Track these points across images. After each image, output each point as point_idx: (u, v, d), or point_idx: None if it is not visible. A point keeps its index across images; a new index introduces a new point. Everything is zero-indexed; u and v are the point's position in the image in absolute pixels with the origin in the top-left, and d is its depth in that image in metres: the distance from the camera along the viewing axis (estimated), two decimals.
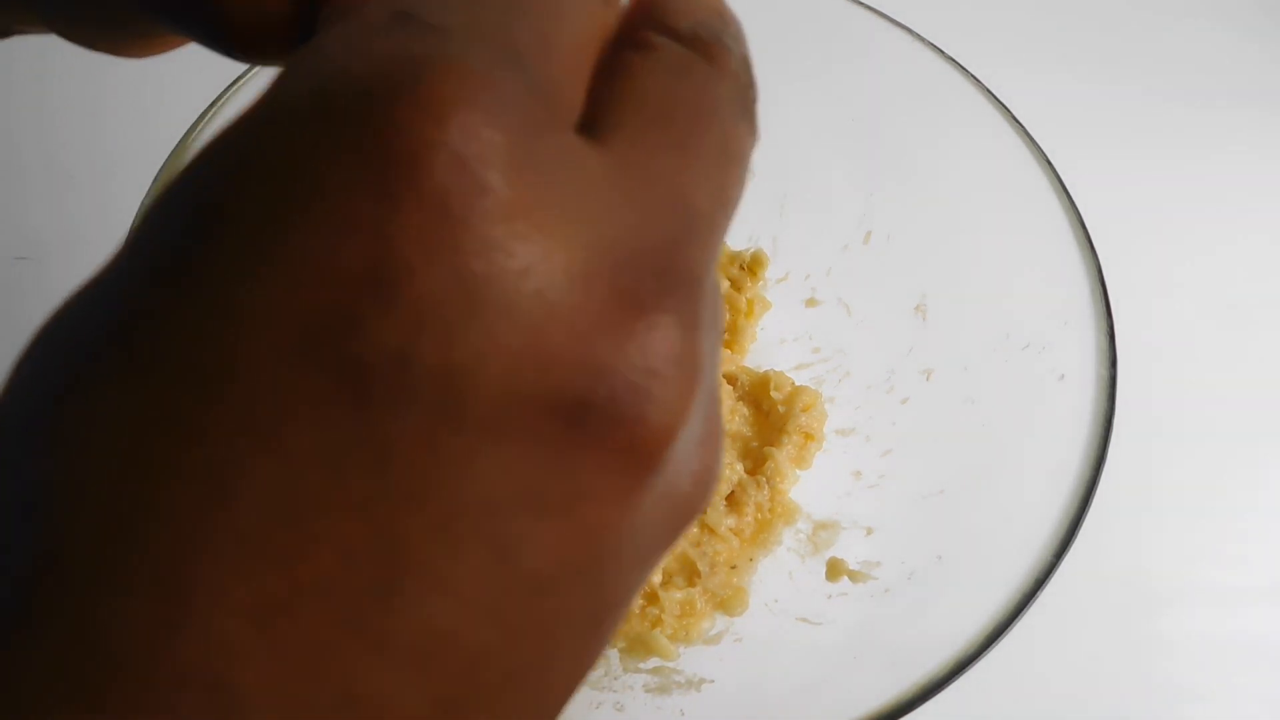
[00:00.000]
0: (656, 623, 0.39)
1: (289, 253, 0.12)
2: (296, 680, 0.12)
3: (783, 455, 0.43)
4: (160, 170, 0.35)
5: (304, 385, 0.12)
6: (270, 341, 0.12)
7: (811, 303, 0.49)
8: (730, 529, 0.42)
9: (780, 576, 0.42)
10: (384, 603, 0.12)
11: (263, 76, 0.33)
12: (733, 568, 0.42)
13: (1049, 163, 0.40)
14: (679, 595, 0.39)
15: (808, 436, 0.44)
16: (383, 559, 0.12)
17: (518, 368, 0.12)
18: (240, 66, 0.29)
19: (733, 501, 0.43)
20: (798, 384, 0.45)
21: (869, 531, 0.42)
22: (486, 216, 0.12)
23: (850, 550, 0.41)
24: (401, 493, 0.12)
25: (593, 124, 0.14)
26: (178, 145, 0.37)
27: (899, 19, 0.44)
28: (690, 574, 0.40)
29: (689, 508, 0.15)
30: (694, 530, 0.42)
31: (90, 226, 0.53)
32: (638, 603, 0.39)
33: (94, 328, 0.13)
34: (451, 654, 0.13)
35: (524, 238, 0.12)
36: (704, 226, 0.14)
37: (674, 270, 0.13)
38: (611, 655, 0.39)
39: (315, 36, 0.14)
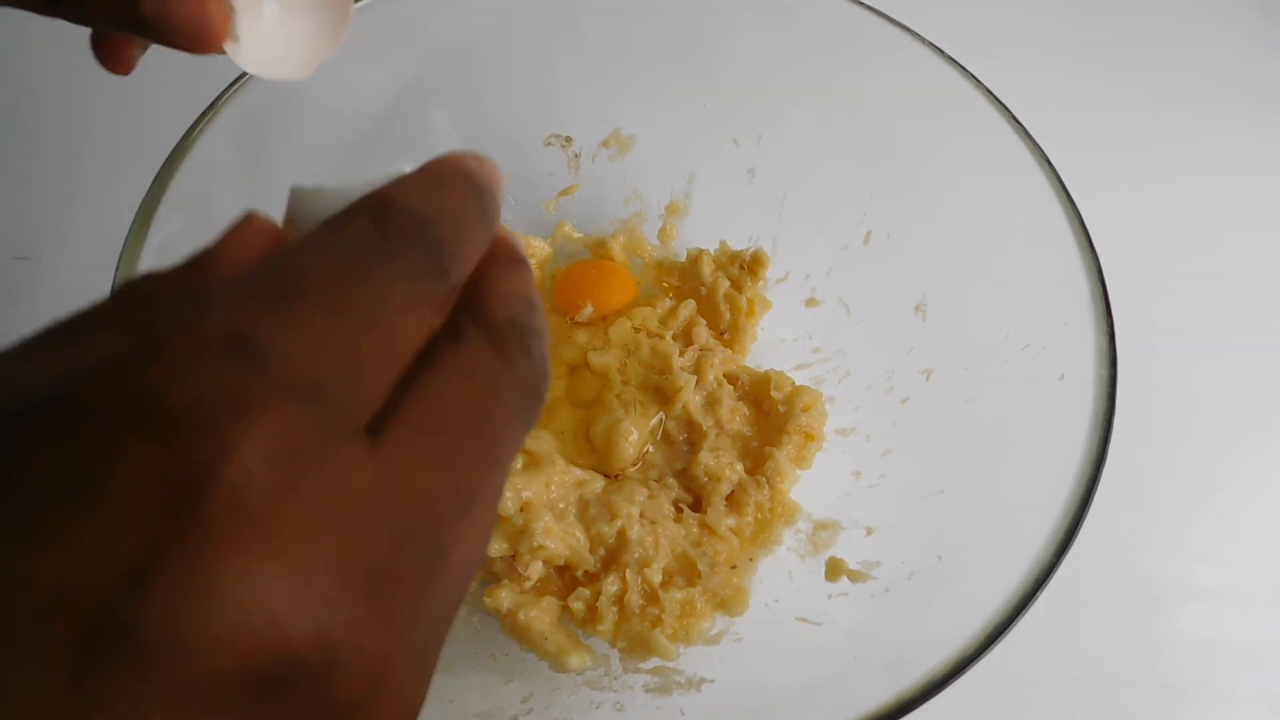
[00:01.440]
0: (656, 623, 0.39)
1: (71, 535, 0.13)
2: None
3: (783, 455, 0.43)
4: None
5: (38, 644, 0.13)
6: (23, 604, 0.13)
7: (812, 303, 0.49)
8: (730, 529, 0.42)
9: (780, 576, 0.42)
10: None
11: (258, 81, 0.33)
12: (733, 568, 0.42)
13: (1049, 163, 0.40)
14: (679, 595, 0.39)
15: (808, 436, 0.44)
16: None
17: (222, 648, 0.14)
18: (236, 70, 0.29)
19: (733, 501, 0.43)
20: (798, 384, 0.45)
21: (869, 531, 0.42)
22: (240, 536, 0.14)
23: (850, 550, 0.41)
24: None
25: (380, 424, 0.16)
26: (176, 147, 0.37)
27: (900, 20, 0.44)
28: (690, 574, 0.40)
29: None
30: (694, 530, 0.42)
31: (90, 226, 0.53)
32: (637, 602, 0.39)
33: None
34: None
35: (265, 556, 0.14)
36: (430, 536, 0.16)
37: (384, 571, 0.15)
38: (612, 655, 0.39)
39: (153, 317, 0.16)
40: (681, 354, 0.46)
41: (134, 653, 0.13)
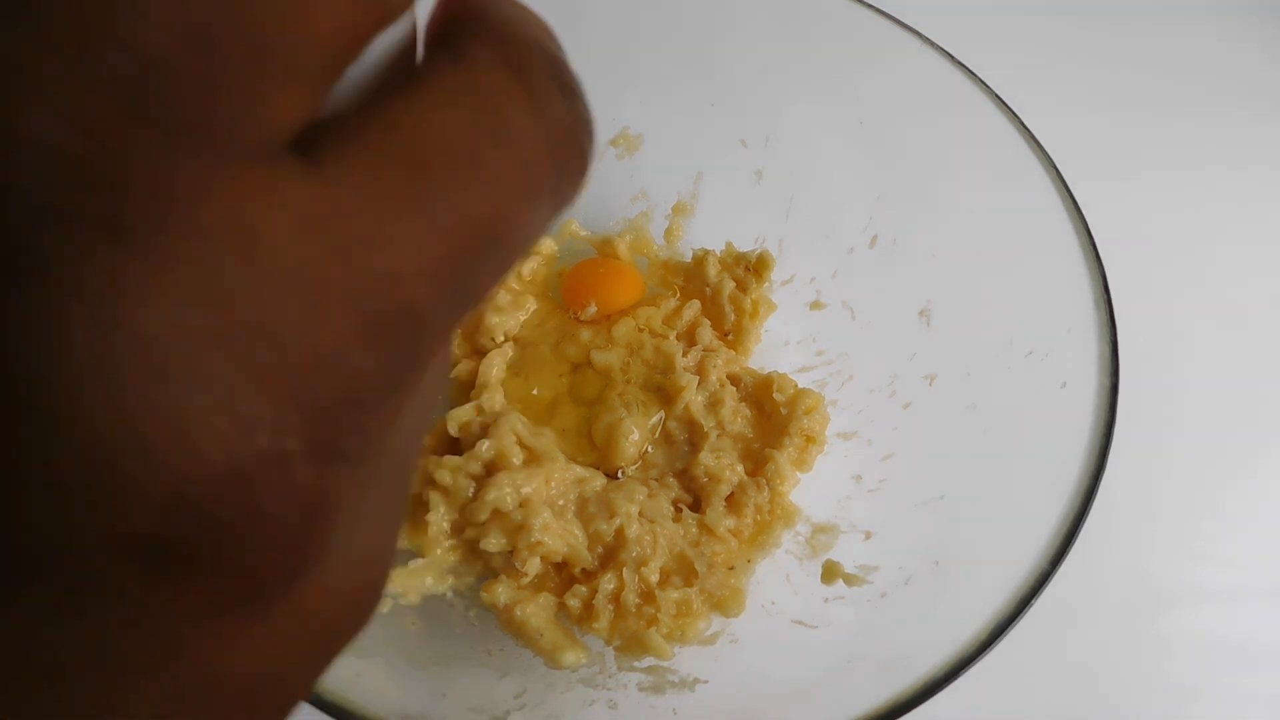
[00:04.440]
0: (652, 622, 0.39)
1: None
2: None
3: (784, 457, 0.43)
4: None
5: None
6: None
7: (816, 305, 0.49)
8: (729, 530, 0.42)
9: (778, 579, 0.42)
10: None
11: None
12: (730, 569, 0.42)
13: (1056, 170, 0.40)
14: (676, 595, 0.39)
15: (809, 439, 0.44)
16: None
17: (75, 500, 0.09)
18: None
19: (732, 502, 0.43)
20: (800, 386, 0.45)
21: (868, 535, 0.41)
22: (103, 288, 0.09)
23: (848, 554, 0.41)
24: None
25: (319, 144, 0.11)
26: None
27: (908, 24, 0.44)
28: (688, 574, 0.40)
29: (341, 630, 0.13)
30: (693, 530, 0.42)
31: None
32: (633, 600, 0.39)
33: None
34: None
35: (144, 334, 0.09)
36: (392, 329, 0.11)
37: (316, 379, 0.10)
38: (607, 653, 0.39)
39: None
40: (685, 354, 0.46)
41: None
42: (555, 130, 0.12)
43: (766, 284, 0.48)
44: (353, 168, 0.11)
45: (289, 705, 0.14)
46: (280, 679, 0.13)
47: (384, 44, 0.12)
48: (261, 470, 0.10)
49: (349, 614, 0.13)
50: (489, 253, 0.11)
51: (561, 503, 0.41)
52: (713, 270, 0.47)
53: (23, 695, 0.11)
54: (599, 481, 0.42)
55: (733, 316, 0.47)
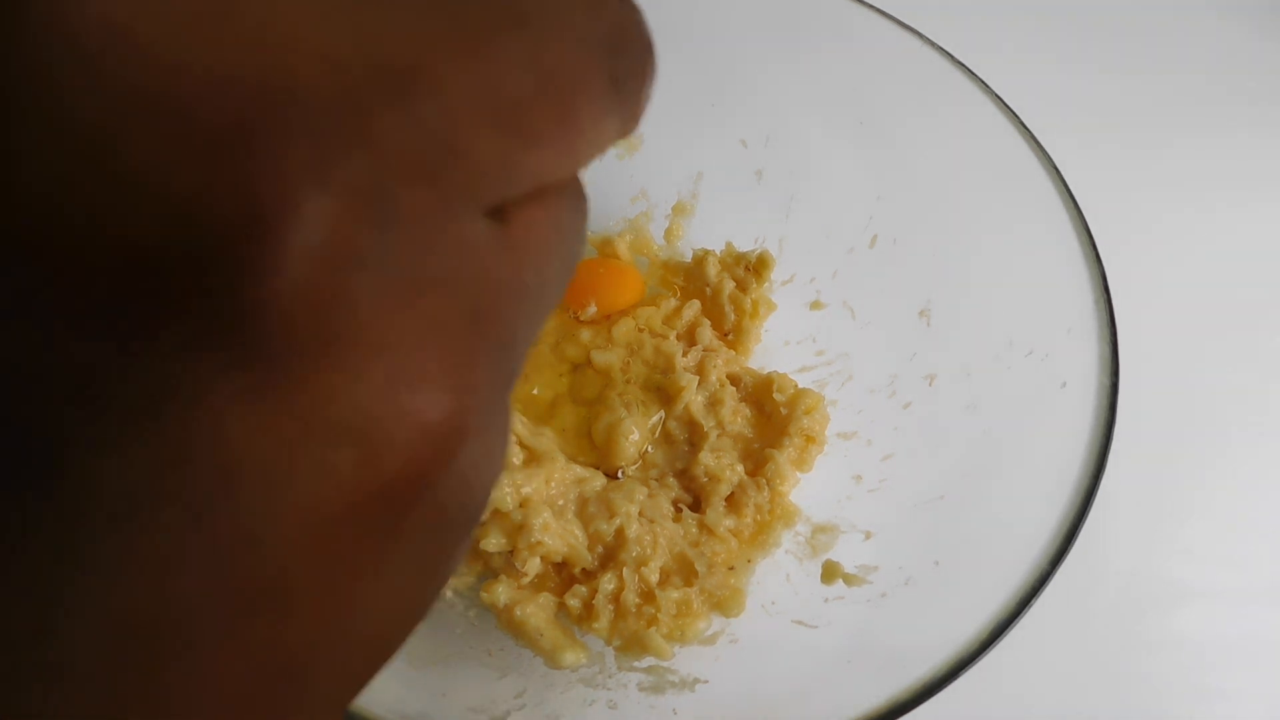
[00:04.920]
0: (652, 622, 0.39)
1: None
2: None
3: (784, 457, 0.43)
4: None
5: None
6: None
7: (816, 305, 0.49)
8: (729, 530, 0.42)
9: (778, 579, 0.42)
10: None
11: None
12: (730, 569, 0.42)
13: (1056, 170, 0.40)
14: (676, 595, 0.39)
15: (809, 439, 0.44)
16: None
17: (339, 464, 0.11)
18: None
19: (732, 502, 0.43)
20: (801, 386, 0.45)
21: (868, 536, 0.41)
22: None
23: (848, 554, 0.41)
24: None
25: (500, 212, 0.13)
26: None
27: (909, 23, 0.44)
28: (688, 574, 0.40)
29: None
30: (693, 530, 0.42)
31: None
32: (633, 600, 0.39)
33: None
34: None
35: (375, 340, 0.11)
36: (526, 324, 0.13)
37: (476, 360, 0.12)
38: (607, 653, 0.39)
39: None
40: (685, 354, 0.46)
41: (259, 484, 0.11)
42: (568, 257, 0.14)
43: (766, 284, 0.48)
44: (520, 226, 0.13)
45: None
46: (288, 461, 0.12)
47: None
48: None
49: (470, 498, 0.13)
50: (541, 311, 0.14)
51: (561, 503, 0.41)
52: (713, 270, 0.47)
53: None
54: (599, 481, 0.42)
55: (733, 316, 0.47)
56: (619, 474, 0.44)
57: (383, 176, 0.11)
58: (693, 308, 0.47)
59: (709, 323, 0.48)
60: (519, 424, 0.42)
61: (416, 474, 0.12)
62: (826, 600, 0.40)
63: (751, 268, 0.48)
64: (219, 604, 0.12)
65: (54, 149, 0.09)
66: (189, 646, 0.12)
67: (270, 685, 0.13)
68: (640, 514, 0.41)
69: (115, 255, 0.10)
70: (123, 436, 0.10)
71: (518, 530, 0.39)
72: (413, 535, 0.13)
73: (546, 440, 0.43)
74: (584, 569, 0.40)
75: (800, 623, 0.39)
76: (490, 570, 0.40)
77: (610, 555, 0.40)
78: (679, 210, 0.51)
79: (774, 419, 0.45)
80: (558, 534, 0.39)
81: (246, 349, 0.10)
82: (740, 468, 0.44)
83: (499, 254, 0.12)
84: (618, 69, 0.13)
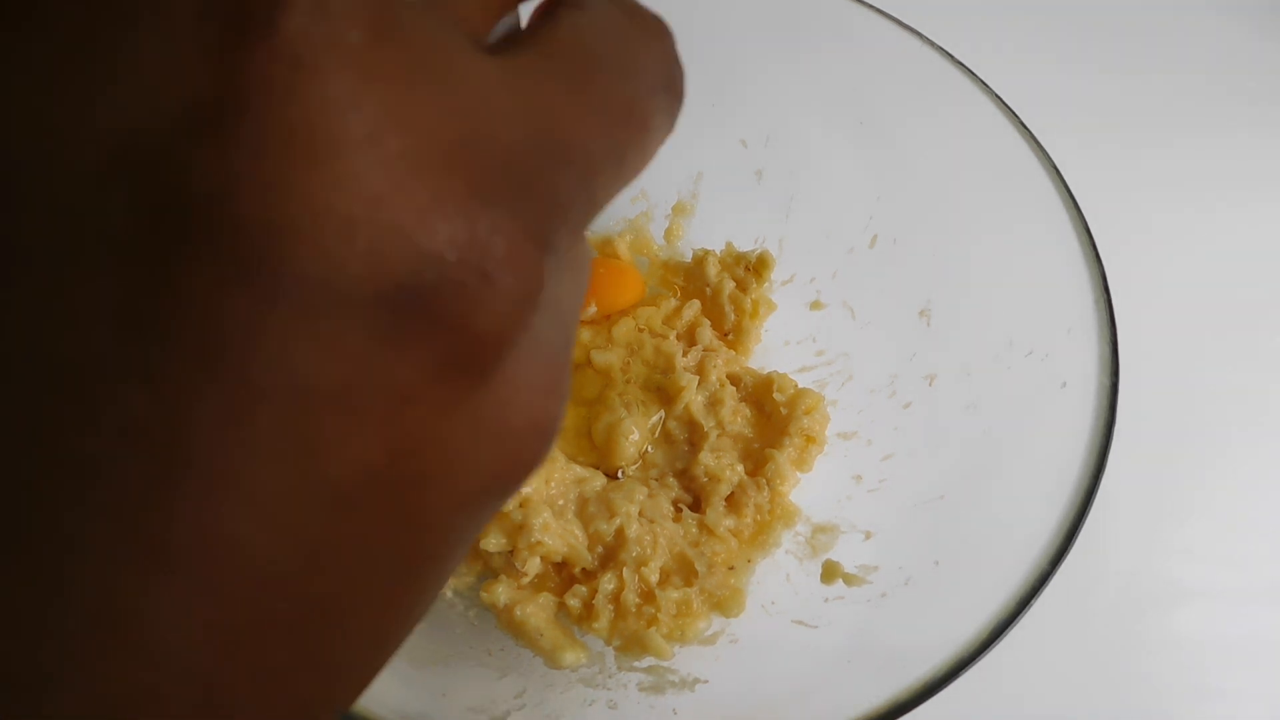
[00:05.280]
0: (652, 621, 0.39)
1: (113, 65, 0.10)
2: (34, 585, 0.11)
3: (784, 457, 0.43)
4: None
5: (101, 216, 0.10)
6: (70, 161, 0.10)
7: (816, 305, 0.49)
8: (729, 530, 0.42)
9: (778, 579, 0.42)
10: (162, 495, 0.11)
11: None
12: (730, 569, 0.42)
13: (1056, 170, 0.40)
14: (676, 595, 0.39)
15: (809, 439, 0.44)
16: (165, 441, 0.10)
17: (347, 238, 0.10)
18: None
19: (732, 502, 0.43)
20: (801, 386, 0.45)
21: (868, 536, 0.41)
22: (339, 69, 0.10)
23: (848, 554, 0.41)
24: (193, 361, 0.10)
25: (502, 48, 0.13)
26: None
27: (909, 23, 0.44)
28: (687, 574, 0.40)
29: (519, 456, 0.14)
30: (693, 530, 0.42)
31: None
32: (633, 600, 0.39)
33: None
34: (239, 571, 0.11)
35: (376, 103, 0.11)
36: (580, 165, 0.13)
37: (533, 183, 0.12)
38: (606, 653, 0.39)
39: None
40: (685, 354, 0.46)
41: (224, 236, 0.10)
42: (666, 62, 0.15)
43: (766, 284, 0.48)
44: (534, 58, 0.13)
45: (448, 534, 0.14)
46: (459, 499, 0.13)
47: (504, 25, 0.15)
48: (493, 240, 0.11)
49: (530, 434, 0.14)
50: (645, 137, 0.14)
51: (561, 503, 0.41)
52: (713, 270, 0.47)
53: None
54: (599, 481, 0.42)
55: (733, 316, 0.47)
56: (619, 474, 0.44)
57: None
58: (693, 308, 0.47)
59: (709, 323, 0.48)
60: None
61: (526, 463, 0.14)
62: (826, 600, 0.40)
63: (751, 268, 0.48)
64: (372, 573, 0.13)
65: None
66: (330, 618, 0.13)
67: (376, 644, 0.14)
68: (640, 514, 0.41)
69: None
70: (362, 432, 0.12)
71: (518, 530, 0.39)
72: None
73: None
74: (584, 569, 0.40)
75: (800, 623, 0.39)
76: (490, 570, 0.40)
77: (610, 555, 0.40)
78: (679, 210, 0.51)
79: (774, 419, 0.45)
80: (558, 534, 0.39)
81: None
82: (740, 468, 0.44)
83: (518, 99, 0.13)
84: (668, 98, 0.15)
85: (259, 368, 0.11)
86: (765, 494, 0.43)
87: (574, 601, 0.39)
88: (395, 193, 0.11)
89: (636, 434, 0.44)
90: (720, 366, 0.46)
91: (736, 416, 0.45)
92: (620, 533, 0.40)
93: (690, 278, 0.49)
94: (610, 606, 0.39)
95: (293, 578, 0.12)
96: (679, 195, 0.51)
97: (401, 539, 0.13)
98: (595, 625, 0.39)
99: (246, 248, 0.10)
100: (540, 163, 0.12)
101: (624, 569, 0.39)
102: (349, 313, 0.11)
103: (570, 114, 0.13)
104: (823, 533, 0.42)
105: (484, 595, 0.39)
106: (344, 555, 0.12)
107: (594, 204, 0.14)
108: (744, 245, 0.49)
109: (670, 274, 0.50)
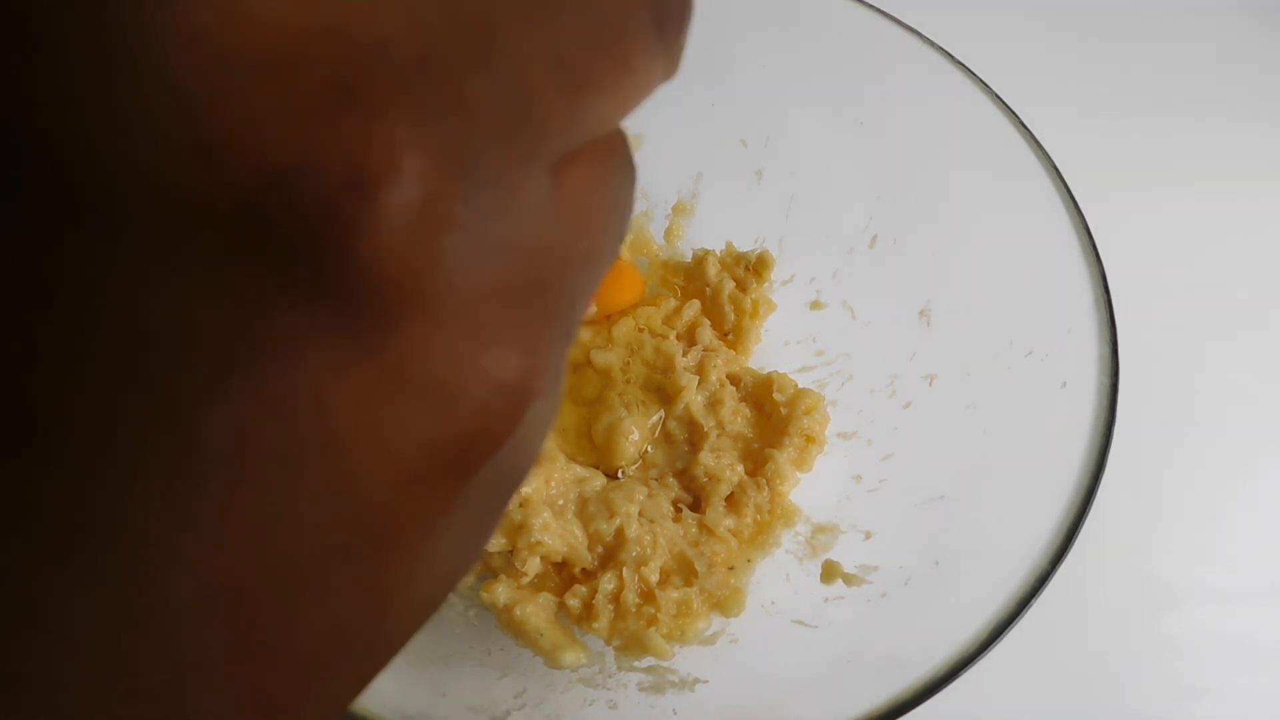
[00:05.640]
0: (652, 622, 0.39)
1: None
2: None
3: (784, 457, 0.43)
4: None
5: None
6: None
7: (816, 305, 0.49)
8: (729, 530, 0.42)
9: (778, 578, 0.42)
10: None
11: None
12: (730, 569, 0.42)
13: (1056, 170, 0.40)
14: (675, 595, 0.39)
15: (809, 439, 0.44)
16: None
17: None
18: None
19: (732, 502, 0.43)
20: (800, 386, 0.45)
21: (868, 536, 0.41)
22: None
23: (848, 554, 0.41)
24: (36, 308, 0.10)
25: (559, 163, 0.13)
26: None
27: (909, 23, 0.44)
28: (687, 574, 0.40)
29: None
30: (693, 530, 0.42)
31: None
32: (633, 600, 0.39)
33: None
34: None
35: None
36: (587, 273, 0.14)
37: (542, 305, 0.13)
38: (607, 653, 0.39)
39: None
40: (685, 354, 0.46)
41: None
42: (624, 209, 0.14)
43: (766, 284, 0.48)
44: (580, 174, 0.13)
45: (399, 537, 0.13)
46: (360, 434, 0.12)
47: None
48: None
49: (494, 394, 0.12)
50: (604, 259, 0.14)
51: (561, 502, 0.41)
52: (713, 270, 0.47)
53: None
54: (599, 481, 0.42)
55: (733, 316, 0.47)
56: (619, 474, 0.44)
57: (471, 137, 0.11)
58: (693, 308, 0.47)
59: (709, 323, 0.48)
60: None
61: (488, 431, 0.12)
62: (826, 600, 0.40)
63: (751, 268, 0.48)
64: (315, 556, 0.12)
65: (164, 110, 0.10)
66: (287, 598, 0.12)
67: (352, 635, 0.13)
68: (640, 514, 0.41)
69: (222, 213, 0.10)
70: (225, 388, 0.11)
71: (518, 530, 0.39)
72: (476, 493, 0.13)
73: (546, 440, 0.43)
74: (584, 569, 0.40)
75: (800, 623, 0.39)
76: (490, 570, 0.40)
77: (610, 555, 0.40)
78: (679, 210, 0.51)
79: (774, 419, 0.45)
80: (558, 534, 0.39)
81: (345, 305, 0.10)
82: (740, 468, 0.44)
83: (556, 215, 0.12)
84: (661, 12, 0.13)
85: (93, 315, 0.10)
86: (765, 494, 0.43)
87: (574, 601, 0.39)
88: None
89: (636, 434, 0.44)
90: (720, 366, 0.46)
91: (736, 416, 0.45)
92: (620, 533, 0.40)
93: (690, 278, 0.49)
94: (610, 606, 0.39)
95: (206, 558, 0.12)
96: (679, 195, 0.51)
97: (331, 516, 0.12)
98: (595, 625, 0.39)
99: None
100: (558, 276, 0.12)
101: (624, 569, 0.39)
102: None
103: (587, 232, 0.13)
104: (823, 533, 0.42)
105: (484, 595, 0.39)
106: (262, 536, 0.12)
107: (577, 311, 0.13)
108: (744, 245, 0.49)
109: (670, 274, 0.50)
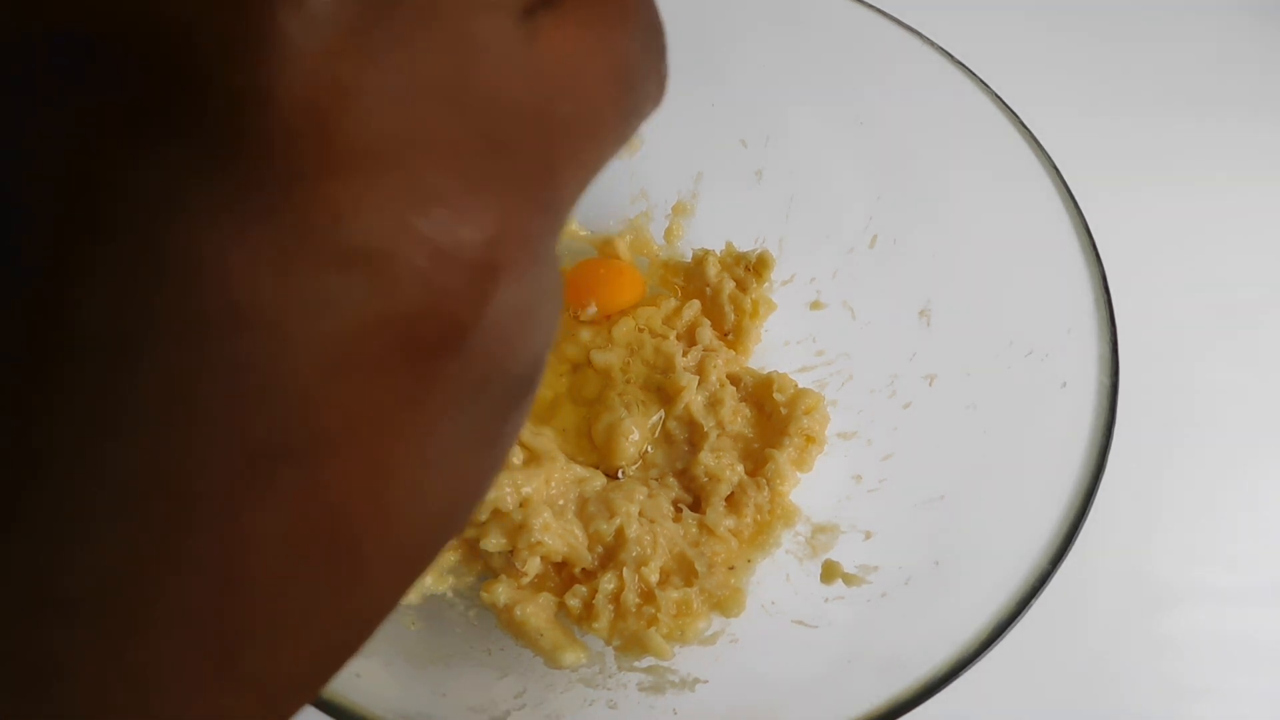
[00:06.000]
0: (652, 621, 0.39)
1: None
2: None
3: (784, 457, 0.43)
4: None
5: None
6: None
7: (816, 305, 0.49)
8: (729, 530, 0.42)
9: (778, 578, 0.42)
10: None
11: None
12: (731, 569, 0.42)
13: (1056, 170, 0.40)
14: (676, 595, 0.39)
15: (809, 439, 0.44)
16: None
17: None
18: None
19: (732, 502, 0.43)
20: (801, 386, 0.45)
21: (868, 535, 0.41)
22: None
23: (848, 554, 0.41)
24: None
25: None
26: None
27: (909, 23, 0.44)
28: (688, 574, 0.40)
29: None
30: (693, 530, 0.42)
31: None
32: (633, 600, 0.39)
33: None
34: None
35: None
36: (586, 132, 0.12)
37: (520, 181, 0.11)
38: (607, 653, 0.39)
39: None
40: (685, 354, 0.46)
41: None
42: (652, 36, 0.13)
43: (766, 284, 0.48)
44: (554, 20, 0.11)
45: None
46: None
47: None
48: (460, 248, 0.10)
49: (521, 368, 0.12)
50: (626, 120, 0.13)
51: (561, 503, 0.41)
52: (713, 270, 0.47)
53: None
54: (599, 481, 0.42)
55: (733, 316, 0.47)
56: (619, 474, 0.44)
57: None
58: (693, 308, 0.47)
59: (709, 323, 0.48)
60: None
61: (443, 312, 0.11)
62: (826, 600, 0.40)
63: (751, 268, 0.48)
64: (236, 454, 0.10)
65: None
66: (211, 505, 0.10)
67: (316, 551, 0.11)
68: (640, 514, 0.41)
69: (134, 44, 0.09)
70: (114, 259, 0.09)
71: (518, 530, 0.39)
72: (453, 394, 0.11)
73: (546, 440, 0.43)
74: (584, 569, 0.40)
75: (800, 623, 0.39)
76: (490, 570, 0.40)
77: (610, 555, 0.40)
78: (679, 210, 0.51)
79: (774, 419, 0.45)
80: (558, 534, 0.39)
81: (236, 149, 0.09)
82: (740, 468, 0.44)
83: (528, 71, 0.11)
84: (660, 67, 0.13)
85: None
86: (765, 494, 0.43)
87: (574, 601, 0.39)
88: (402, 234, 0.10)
89: (636, 434, 0.44)
90: (720, 366, 0.46)
91: (736, 416, 0.45)
92: (620, 533, 0.40)
93: (690, 278, 0.49)
94: (610, 606, 0.39)
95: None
96: (679, 195, 0.51)
97: (256, 408, 0.10)
98: (595, 625, 0.39)
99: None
100: (538, 145, 0.11)
101: (624, 569, 0.39)
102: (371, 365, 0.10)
103: (579, 86, 0.11)
104: (823, 533, 0.42)
105: (484, 595, 0.39)
106: (170, 428, 0.10)
107: (589, 163, 0.12)
108: (744, 245, 0.49)
109: (670, 274, 0.50)
